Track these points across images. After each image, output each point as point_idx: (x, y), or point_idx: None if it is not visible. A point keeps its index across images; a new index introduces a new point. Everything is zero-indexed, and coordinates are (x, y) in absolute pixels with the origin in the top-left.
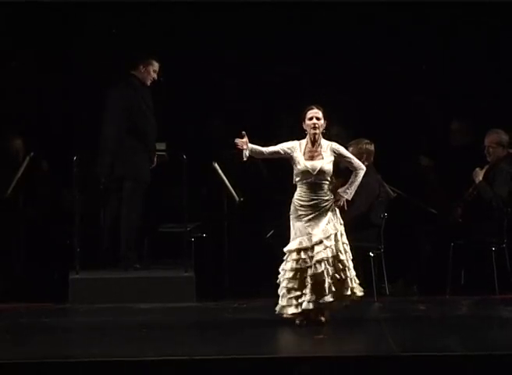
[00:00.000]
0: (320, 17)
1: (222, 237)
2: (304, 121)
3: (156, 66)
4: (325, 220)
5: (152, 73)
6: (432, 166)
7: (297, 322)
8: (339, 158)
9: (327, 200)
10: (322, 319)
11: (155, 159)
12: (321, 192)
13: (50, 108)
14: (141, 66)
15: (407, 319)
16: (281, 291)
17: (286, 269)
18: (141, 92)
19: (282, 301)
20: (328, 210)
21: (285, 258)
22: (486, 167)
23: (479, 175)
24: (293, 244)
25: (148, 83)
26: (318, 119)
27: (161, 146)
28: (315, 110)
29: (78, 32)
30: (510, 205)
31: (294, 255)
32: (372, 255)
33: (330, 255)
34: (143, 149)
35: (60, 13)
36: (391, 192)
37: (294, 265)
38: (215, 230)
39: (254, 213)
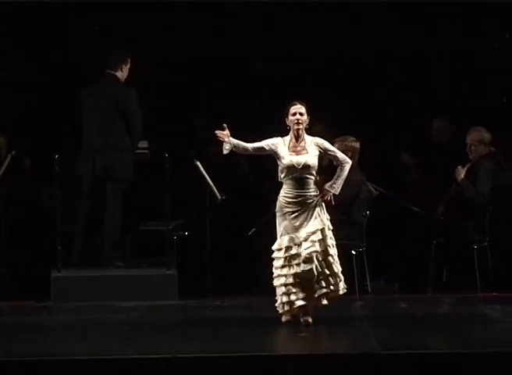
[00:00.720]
0: (304, 16)
1: (204, 235)
2: (288, 117)
3: (129, 63)
4: (312, 216)
5: (128, 70)
6: (413, 163)
7: (283, 320)
8: (323, 153)
9: (314, 195)
10: (310, 320)
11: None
12: (307, 187)
13: (33, 107)
14: (120, 65)
15: (389, 317)
16: (277, 289)
17: (277, 267)
18: (120, 90)
19: (280, 299)
20: (315, 206)
21: (274, 256)
22: (468, 165)
23: (461, 173)
24: (280, 242)
25: (125, 80)
26: (301, 114)
27: (143, 144)
28: (298, 106)
29: (59, 31)
30: (491, 203)
31: (283, 253)
32: (354, 253)
33: (319, 249)
34: (125, 147)
35: (42, 13)
36: (373, 190)
37: (283, 262)
38: (197, 228)
39: (236, 211)
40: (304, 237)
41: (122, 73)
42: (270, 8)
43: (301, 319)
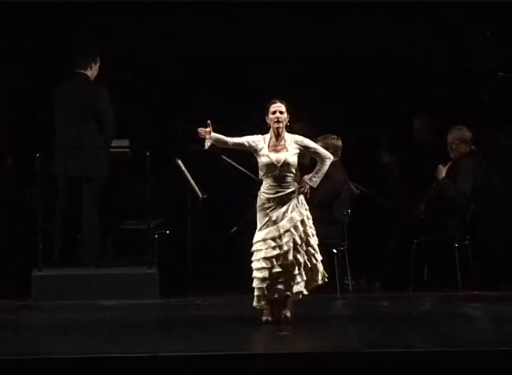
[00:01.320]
0: (284, 15)
1: (185, 234)
2: (268, 115)
3: (99, 61)
4: (290, 209)
5: (98, 69)
6: (394, 162)
7: (263, 319)
8: (304, 151)
9: (293, 192)
10: (288, 314)
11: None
12: (286, 185)
13: (16, 104)
14: (89, 63)
15: (370, 316)
16: (254, 283)
17: (257, 259)
18: (90, 89)
19: (256, 292)
20: (293, 199)
21: (253, 249)
22: (449, 164)
23: (442, 171)
24: (259, 235)
25: (95, 78)
26: (281, 112)
27: (124, 143)
28: (278, 104)
29: (33, 30)
30: (472, 202)
31: (262, 245)
32: (336, 251)
33: (299, 242)
34: (98, 147)
35: (17, 12)
36: (354, 189)
37: (262, 255)
38: (179, 227)
39: (218, 210)
40: (283, 230)
41: (92, 72)
42: (252, 7)
43: (281, 315)
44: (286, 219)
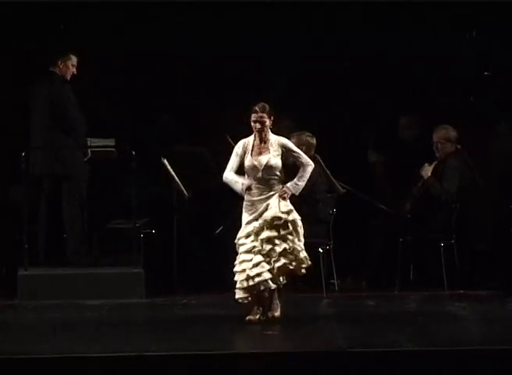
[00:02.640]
0: (269, 14)
1: (171, 233)
2: (250, 120)
3: (74, 60)
4: (273, 203)
5: (71, 67)
6: (380, 161)
7: (250, 318)
8: (287, 154)
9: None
10: (276, 314)
11: (89, 152)
12: (272, 188)
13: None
14: (59, 62)
15: (356, 315)
16: (235, 276)
17: (241, 252)
18: (62, 88)
19: (238, 284)
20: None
21: (239, 243)
22: (435, 163)
23: (428, 171)
24: (244, 229)
25: (68, 77)
26: (261, 123)
27: (109, 142)
28: (259, 114)
29: (15, 28)
30: (458, 201)
31: (243, 240)
32: (321, 251)
33: (283, 232)
34: (74, 146)
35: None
36: (340, 188)
37: (243, 249)
38: (164, 226)
39: (204, 209)
40: (266, 222)
41: (60, 69)
42: (246, 6)
43: (269, 314)
44: (267, 213)
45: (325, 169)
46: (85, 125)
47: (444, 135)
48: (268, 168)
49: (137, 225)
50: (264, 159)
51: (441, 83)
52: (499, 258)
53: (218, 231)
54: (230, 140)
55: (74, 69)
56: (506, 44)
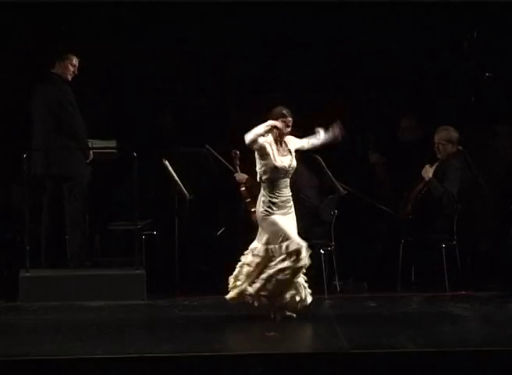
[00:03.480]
0: (270, 13)
1: (172, 235)
2: (274, 118)
3: (75, 60)
4: (291, 218)
5: (71, 67)
6: (381, 162)
7: (272, 316)
8: (297, 147)
9: (291, 196)
10: (293, 314)
11: (91, 153)
12: (288, 189)
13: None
14: (58, 63)
15: (357, 317)
16: (237, 274)
17: (247, 256)
18: (63, 89)
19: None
20: (292, 207)
21: (247, 252)
22: (436, 164)
23: (429, 172)
24: (259, 241)
25: (69, 78)
26: (290, 127)
27: (111, 143)
28: (289, 118)
29: (17, 29)
30: (460, 202)
31: (259, 251)
32: (323, 252)
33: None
34: (74, 147)
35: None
36: (341, 189)
37: (257, 259)
38: (166, 228)
39: (205, 211)
40: (286, 251)
41: (57, 70)
42: (243, 6)
43: (285, 314)
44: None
45: (327, 169)
46: (84, 127)
47: (445, 136)
48: (292, 169)
49: (139, 226)
50: (288, 161)
51: (442, 84)
52: (501, 259)
53: (219, 233)
54: (212, 150)
55: (75, 69)
56: (506, 44)
